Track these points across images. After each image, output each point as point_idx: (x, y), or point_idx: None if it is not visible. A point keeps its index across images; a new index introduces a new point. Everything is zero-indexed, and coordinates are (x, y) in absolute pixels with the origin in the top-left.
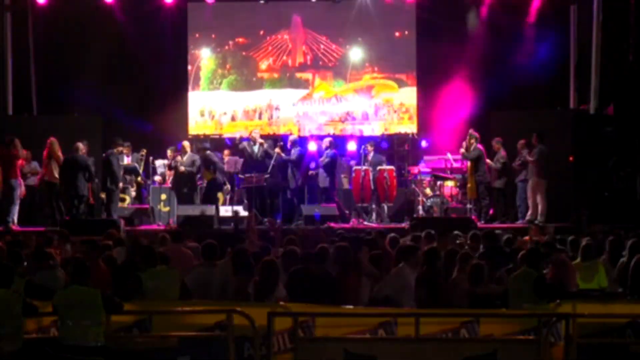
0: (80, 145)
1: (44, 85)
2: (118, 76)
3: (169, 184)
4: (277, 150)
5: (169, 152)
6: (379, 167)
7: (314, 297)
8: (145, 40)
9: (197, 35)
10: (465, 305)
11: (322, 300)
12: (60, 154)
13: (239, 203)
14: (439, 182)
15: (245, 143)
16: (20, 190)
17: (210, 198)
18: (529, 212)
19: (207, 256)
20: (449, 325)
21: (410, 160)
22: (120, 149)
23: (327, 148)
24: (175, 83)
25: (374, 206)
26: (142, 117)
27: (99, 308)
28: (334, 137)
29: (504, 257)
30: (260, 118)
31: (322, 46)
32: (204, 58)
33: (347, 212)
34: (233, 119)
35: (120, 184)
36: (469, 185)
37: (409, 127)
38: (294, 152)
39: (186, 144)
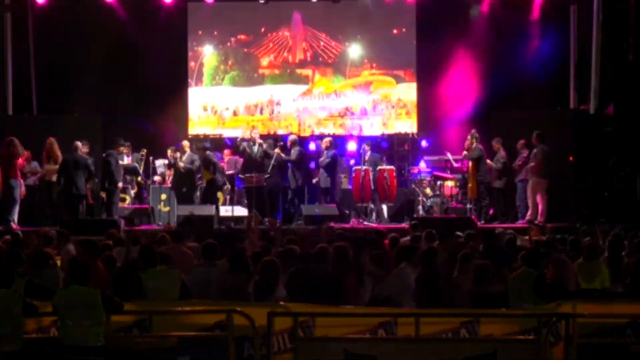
0: (80, 144)
1: (44, 85)
2: (118, 76)
3: (168, 184)
4: (277, 150)
5: (169, 152)
6: (379, 167)
7: (314, 297)
8: (145, 40)
9: (199, 32)
10: (468, 306)
11: (322, 300)
12: (59, 153)
13: (239, 203)
14: (439, 182)
15: (245, 143)
16: (20, 190)
17: (209, 198)
18: (529, 212)
19: (207, 256)
20: (449, 325)
21: (411, 160)
22: (121, 148)
23: (327, 148)
24: (175, 83)
25: (373, 206)
26: (142, 117)
27: (99, 308)
28: (334, 137)
29: (504, 256)
30: (261, 113)
31: (322, 43)
32: (207, 55)
33: (347, 212)
34: (235, 114)
35: (120, 184)
36: (470, 185)
37: (407, 123)
38: (294, 152)
39: (185, 143)
